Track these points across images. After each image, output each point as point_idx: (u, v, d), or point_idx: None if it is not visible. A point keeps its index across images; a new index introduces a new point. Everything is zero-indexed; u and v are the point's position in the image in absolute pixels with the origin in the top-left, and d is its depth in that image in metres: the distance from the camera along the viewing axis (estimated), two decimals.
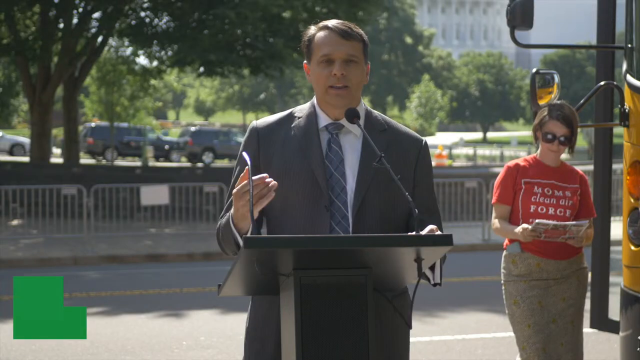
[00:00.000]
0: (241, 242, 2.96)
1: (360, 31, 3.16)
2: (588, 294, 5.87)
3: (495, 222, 5.10)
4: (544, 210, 4.99)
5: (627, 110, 5.39)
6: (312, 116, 3.19)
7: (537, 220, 4.86)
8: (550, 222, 4.84)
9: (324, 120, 3.18)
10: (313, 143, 3.14)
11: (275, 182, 2.90)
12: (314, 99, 3.24)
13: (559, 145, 5.02)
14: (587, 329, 6.22)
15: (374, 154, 3.03)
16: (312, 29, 3.18)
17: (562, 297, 5.03)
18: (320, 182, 3.09)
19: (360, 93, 3.18)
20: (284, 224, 3.13)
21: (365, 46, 3.17)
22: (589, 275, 5.30)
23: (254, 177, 2.87)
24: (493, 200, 5.13)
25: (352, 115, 3.11)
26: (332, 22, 3.15)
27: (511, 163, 5.16)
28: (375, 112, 3.25)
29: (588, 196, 5.15)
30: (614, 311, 5.72)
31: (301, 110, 3.23)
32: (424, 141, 3.25)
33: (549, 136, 5.02)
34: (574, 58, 76.73)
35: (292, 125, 3.18)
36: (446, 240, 2.76)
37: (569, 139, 5.03)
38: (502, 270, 5.15)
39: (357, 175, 3.11)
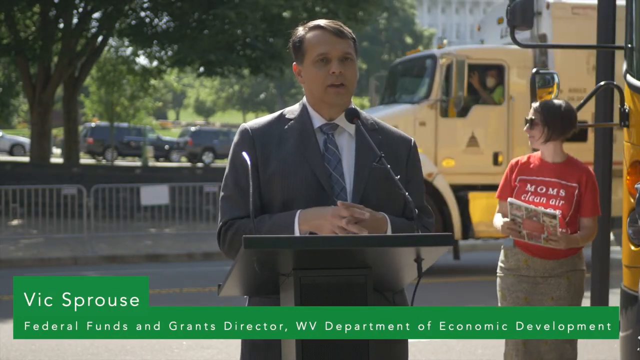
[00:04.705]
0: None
1: (349, 29, 3.18)
2: (588, 297, 5.87)
3: (494, 217, 5.11)
4: None
5: (627, 110, 5.39)
6: (305, 117, 3.17)
7: (509, 200, 4.83)
8: (522, 203, 4.76)
9: (317, 121, 3.17)
10: (311, 144, 3.12)
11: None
12: (304, 100, 3.22)
13: (529, 129, 5.02)
14: None
15: (369, 153, 3.04)
16: (301, 30, 3.17)
17: (550, 297, 4.95)
18: (323, 183, 3.08)
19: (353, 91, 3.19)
20: None
21: (355, 45, 3.18)
22: (587, 276, 5.19)
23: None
24: (496, 195, 5.15)
25: (352, 115, 3.11)
26: (323, 22, 3.15)
27: (514, 160, 5.16)
28: (364, 112, 3.25)
29: (591, 193, 4.98)
30: None
31: (291, 111, 3.21)
32: (413, 140, 3.26)
33: (526, 121, 5.06)
34: None
35: (286, 127, 3.16)
36: (446, 240, 2.76)
37: (534, 122, 4.99)
38: (499, 263, 5.16)
39: (354, 174, 3.11)
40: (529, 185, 5.00)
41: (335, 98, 3.11)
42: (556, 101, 5.07)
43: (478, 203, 12.81)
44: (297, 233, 3.00)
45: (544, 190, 4.97)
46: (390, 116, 12.84)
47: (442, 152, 12.89)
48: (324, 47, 3.10)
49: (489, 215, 11.62)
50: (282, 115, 3.20)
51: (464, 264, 14.52)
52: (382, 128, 3.22)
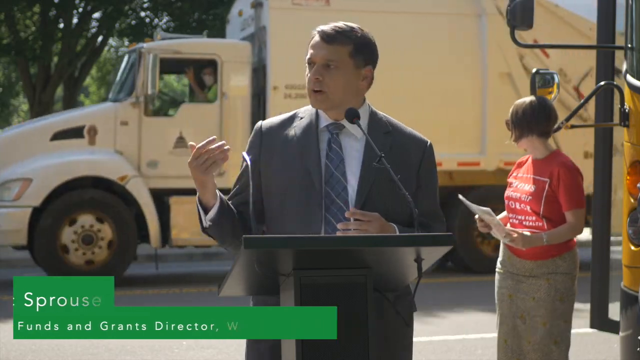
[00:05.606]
0: (204, 221, 3.05)
1: (355, 34, 3.12)
2: (589, 301, 5.86)
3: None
4: (514, 205, 4.96)
5: (627, 110, 5.39)
6: (313, 117, 3.20)
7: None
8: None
9: (324, 120, 3.19)
10: (312, 143, 3.15)
11: (228, 146, 2.98)
12: None
13: (508, 129, 5.02)
14: (587, 329, 6.23)
15: (375, 154, 3.03)
16: (313, 31, 3.20)
17: (532, 297, 4.88)
18: (316, 182, 3.09)
19: (348, 97, 3.13)
20: (282, 223, 3.14)
21: (357, 50, 3.12)
22: (572, 278, 5.02)
23: (203, 144, 2.97)
24: None
25: (352, 116, 3.11)
26: (322, 26, 3.16)
27: (519, 159, 5.16)
28: (381, 114, 3.24)
29: (564, 187, 4.84)
30: (614, 311, 5.72)
31: (304, 111, 3.25)
32: (428, 143, 3.23)
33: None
34: None
35: (294, 125, 3.20)
36: (446, 240, 2.76)
37: (508, 122, 5.00)
38: None
39: (360, 174, 3.11)
40: (514, 183, 5.02)
41: (315, 103, 3.16)
42: (523, 99, 5.02)
43: (180, 208, 11.82)
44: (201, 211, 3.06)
45: (521, 187, 4.96)
46: (88, 115, 12.37)
47: (146, 154, 11.93)
48: (310, 52, 3.14)
49: (192, 221, 10.87)
50: (295, 115, 3.25)
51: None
52: (397, 130, 3.21)
